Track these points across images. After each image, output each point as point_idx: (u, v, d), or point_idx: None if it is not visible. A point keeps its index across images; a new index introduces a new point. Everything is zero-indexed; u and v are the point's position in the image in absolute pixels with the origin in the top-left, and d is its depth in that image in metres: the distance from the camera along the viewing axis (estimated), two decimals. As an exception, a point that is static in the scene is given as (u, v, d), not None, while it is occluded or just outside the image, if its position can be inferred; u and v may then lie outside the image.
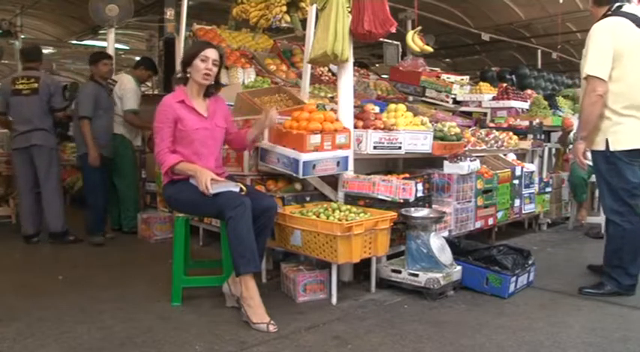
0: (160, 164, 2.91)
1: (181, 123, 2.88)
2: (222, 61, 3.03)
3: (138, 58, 6.29)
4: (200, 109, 2.96)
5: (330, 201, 3.42)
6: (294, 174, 3.14)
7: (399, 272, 3.17)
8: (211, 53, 2.92)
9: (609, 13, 3.13)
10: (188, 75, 2.96)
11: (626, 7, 3.14)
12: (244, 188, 2.86)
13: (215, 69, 2.95)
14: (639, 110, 3.07)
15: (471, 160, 3.95)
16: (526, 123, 5.30)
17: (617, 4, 3.15)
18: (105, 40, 6.61)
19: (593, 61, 3.04)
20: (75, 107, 4.63)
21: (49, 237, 4.59)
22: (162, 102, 2.95)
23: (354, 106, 3.61)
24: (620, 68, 3.03)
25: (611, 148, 3.08)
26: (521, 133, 5.14)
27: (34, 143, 4.49)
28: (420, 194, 3.32)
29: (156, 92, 7.81)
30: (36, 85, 4.49)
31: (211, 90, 3.05)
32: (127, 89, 4.92)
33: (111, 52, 5.66)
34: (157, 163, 3.04)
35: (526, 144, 5.07)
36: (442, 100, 5.92)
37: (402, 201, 3.20)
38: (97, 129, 4.50)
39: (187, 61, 2.94)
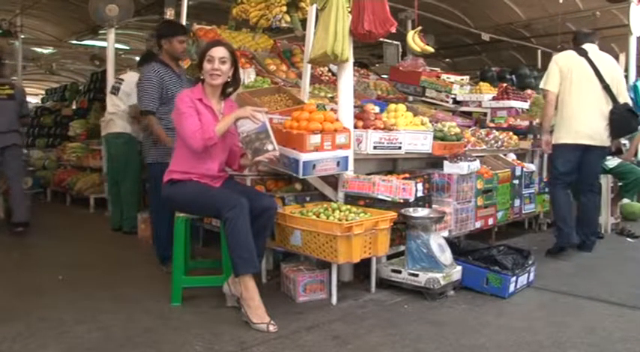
0: (200, 139, 2.75)
1: (199, 118, 2.86)
2: (234, 57, 2.94)
3: (138, 58, 6.27)
4: (216, 111, 2.95)
5: (330, 201, 3.42)
6: (294, 174, 3.14)
7: (399, 272, 3.17)
8: (216, 52, 2.86)
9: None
10: (202, 77, 2.93)
11: (585, 46, 4.24)
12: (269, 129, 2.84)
13: (224, 67, 2.87)
14: (576, 115, 4.12)
15: (470, 160, 3.95)
16: (526, 123, 5.30)
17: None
18: (105, 40, 6.61)
19: (545, 78, 4.29)
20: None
21: (13, 226, 4.91)
22: (181, 93, 2.93)
23: (354, 106, 3.61)
24: (564, 84, 4.17)
25: (553, 141, 4.27)
26: (521, 133, 5.14)
27: (13, 142, 4.93)
28: (420, 194, 3.32)
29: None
30: (11, 91, 5.00)
31: (228, 89, 3.01)
32: (134, 84, 4.96)
33: (111, 52, 5.66)
34: (190, 144, 2.80)
35: (526, 144, 5.07)
36: (442, 100, 5.90)
37: (402, 201, 3.19)
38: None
39: (199, 65, 2.92)
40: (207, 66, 2.86)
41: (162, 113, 3.52)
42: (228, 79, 2.96)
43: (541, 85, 4.36)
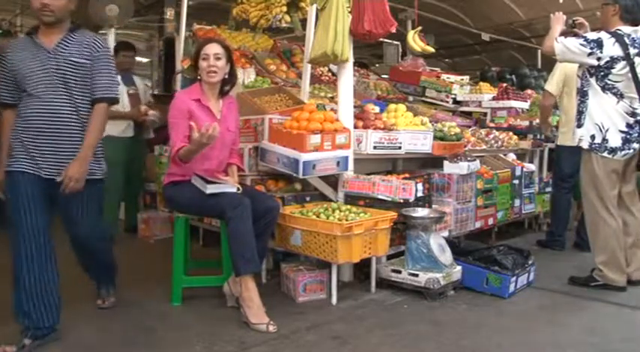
0: (174, 154, 2.83)
1: (194, 121, 2.83)
2: (228, 53, 2.94)
3: (137, 58, 6.26)
4: (214, 110, 2.94)
5: (330, 201, 3.42)
6: (294, 174, 3.14)
7: (399, 272, 3.17)
8: (210, 49, 2.87)
9: None
10: (199, 77, 2.93)
11: None
12: (240, 188, 2.85)
13: (220, 63, 2.87)
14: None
15: (470, 160, 3.95)
16: (526, 123, 5.30)
17: None
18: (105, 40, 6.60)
19: (549, 79, 4.39)
20: None
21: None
22: (176, 96, 2.94)
23: (354, 106, 3.61)
24: (569, 86, 4.21)
25: (559, 143, 4.40)
26: (521, 133, 5.14)
27: None
28: (419, 194, 3.31)
29: (156, 92, 7.79)
30: None
31: (226, 86, 3.00)
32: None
33: (110, 52, 5.65)
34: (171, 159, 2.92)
35: (526, 144, 5.07)
36: (442, 100, 5.90)
37: (402, 201, 3.20)
38: None
39: (194, 64, 2.92)
40: (202, 64, 2.86)
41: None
42: (225, 76, 2.95)
43: (545, 86, 4.51)
